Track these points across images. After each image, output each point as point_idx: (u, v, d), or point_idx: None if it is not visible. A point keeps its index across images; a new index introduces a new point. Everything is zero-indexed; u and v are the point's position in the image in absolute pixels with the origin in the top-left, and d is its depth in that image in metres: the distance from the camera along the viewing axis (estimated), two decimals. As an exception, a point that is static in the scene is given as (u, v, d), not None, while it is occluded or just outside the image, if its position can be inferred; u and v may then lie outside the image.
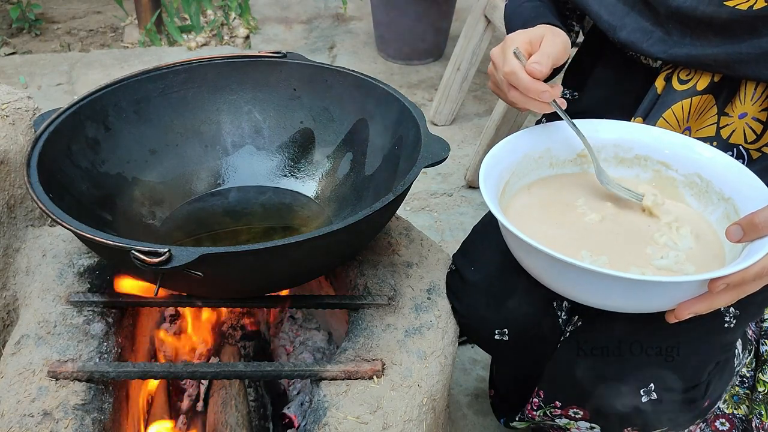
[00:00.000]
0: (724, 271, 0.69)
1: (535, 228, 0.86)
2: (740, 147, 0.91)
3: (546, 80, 0.84)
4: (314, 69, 1.12)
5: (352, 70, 1.11)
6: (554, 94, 0.81)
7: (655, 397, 0.85)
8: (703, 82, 0.88)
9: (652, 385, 0.85)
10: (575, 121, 0.95)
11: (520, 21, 0.95)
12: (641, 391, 0.85)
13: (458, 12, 2.62)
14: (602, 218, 0.88)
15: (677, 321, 0.75)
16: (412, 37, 2.49)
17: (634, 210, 0.90)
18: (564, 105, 0.84)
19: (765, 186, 0.81)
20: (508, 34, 0.94)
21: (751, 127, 0.89)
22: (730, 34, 0.83)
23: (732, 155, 0.91)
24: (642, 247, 0.83)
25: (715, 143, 0.92)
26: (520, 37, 0.84)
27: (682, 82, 0.90)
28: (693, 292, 0.73)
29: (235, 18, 2.91)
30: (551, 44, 0.83)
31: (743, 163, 0.91)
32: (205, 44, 2.74)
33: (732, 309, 0.89)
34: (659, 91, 0.92)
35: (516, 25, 0.94)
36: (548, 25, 0.88)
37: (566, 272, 0.75)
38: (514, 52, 0.82)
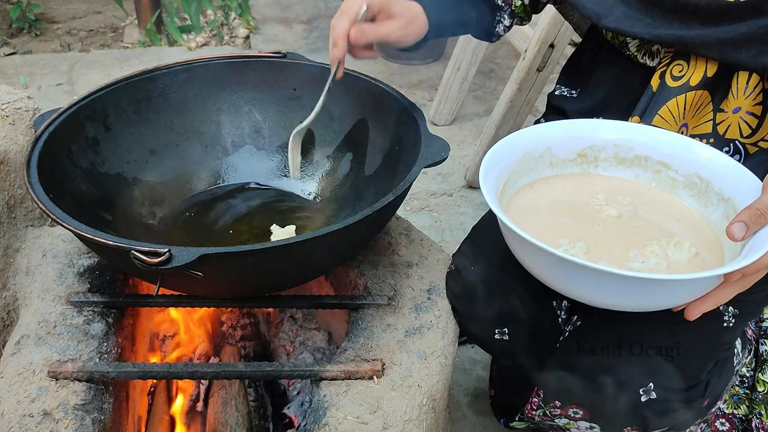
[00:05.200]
0: (741, 263, 0.70)
1: (543, 220, 0.86)
2: (737, 142, 0.91)
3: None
4: (314, 69, 1.12)
5: (352, 70, 1.11)
6: (336, 55, 0.92)
7: (655, 396, 0.85)
8: (696, 77, 0.88)
9: (651, 384, 0.85)
10: (576, 120, 0.95)
11: None
12: (641, 390, 0.85)
13: (458, 12, 2.62)
14: (613, 215, 0.88)
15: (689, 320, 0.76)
16: (412, 37, 2.49)
17: (653, 210, 0.90)
18: (339, 74, 0.97)
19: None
20: None
21: (746, 122, 0.89)
22: (716, 21, 0.84)
23: (729, 151, 0.91)
24: (629, 247, 0.83)
25: (712, 140, 0.92)
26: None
27: (675, 78, 0.90)
28: (697, 289, 0.74)
29: (235, 18, 2.91)
30: (384, 28, 0.92)
31: (740, 158, 0.91)
32: (205, 44, 2.74)
33: (731, 308, 0.89)
34: (654, 89, 0.92)
35: None
36: None
37: (564, 269, 0.75)
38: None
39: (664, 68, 0.91)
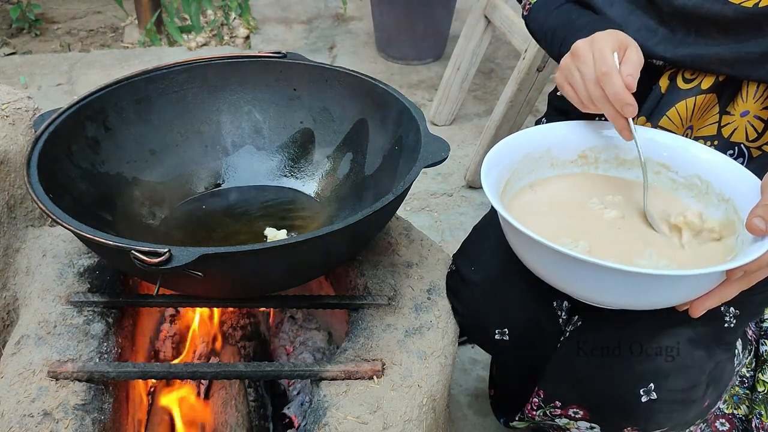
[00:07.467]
0: (743, 260, 0.71)
1: (545, 219, 0.86)
2: (741, 145, 0.91)
3: None
4: (314, 69, 1.12)
5: (352, 70, 1.11)
6: (635, 111, 0.81)
7: (655, 396, 0.85)
8: (707, 81, 0.88)
9: (651, 384, 0.85)
10: (576, 122, 0.95)
11: (577, 24, 0.91)
12: (641, 391, 0.85)
13: (458, 12, 2.62)
14: (615, 216, 0.88)
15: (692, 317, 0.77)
16: (412, 37, 2.49)
17: (653, 210, 0.90)
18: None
19: None
20: (552, 38, 0.95)
21: (752, 125, 0.89)
22: (735, 32, 0.84)
23: (732, 154, 0.91)
24: (631, 246, 0.83)
25: (716, 142, 0.92)
26: (609, 38, 0.82)
27: (686, 81, 0.90)
28: (700, 287, 0.74)
29: (235, 18, 2.91)
30: (638, 55, 0.82)
31: (743, 161, 0.91)
32: (205, 44, 2.74)
33: (732, 309, 0.89)
34: (663, 90, 0.92)
35: (573, 27, 0.92)
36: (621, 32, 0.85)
37: (567, 266, 0.74)
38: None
39: (674, 70, 0.91)
